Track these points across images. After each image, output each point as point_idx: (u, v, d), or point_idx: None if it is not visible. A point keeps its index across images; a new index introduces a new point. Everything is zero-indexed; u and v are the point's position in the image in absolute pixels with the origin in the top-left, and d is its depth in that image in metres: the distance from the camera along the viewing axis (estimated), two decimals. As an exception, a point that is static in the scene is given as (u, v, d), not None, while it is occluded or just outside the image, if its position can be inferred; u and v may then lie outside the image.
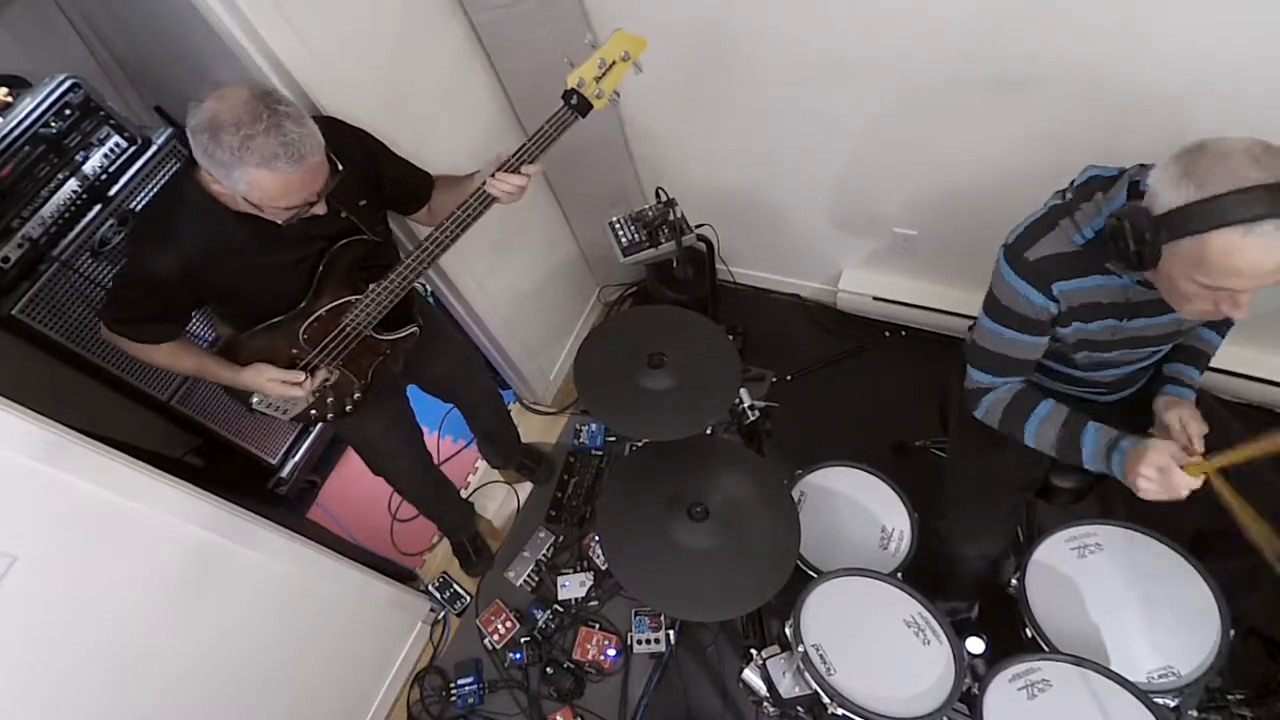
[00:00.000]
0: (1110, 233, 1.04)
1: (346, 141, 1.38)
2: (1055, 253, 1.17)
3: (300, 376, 1.45)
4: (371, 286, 1.43)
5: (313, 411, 1.57)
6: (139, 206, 1.86)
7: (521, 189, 1.40)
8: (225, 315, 1.50)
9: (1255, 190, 0.90)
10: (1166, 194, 0.97)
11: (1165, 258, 1.01)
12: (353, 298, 1.42)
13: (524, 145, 1.38)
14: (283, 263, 1.36)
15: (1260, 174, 0.91)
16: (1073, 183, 1.18)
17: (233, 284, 1.34)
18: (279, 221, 1.25)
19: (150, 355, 1.41)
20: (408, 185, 1.53)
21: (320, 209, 1.26)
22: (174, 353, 1.42)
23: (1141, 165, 1.11)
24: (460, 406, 2.13)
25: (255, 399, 1.50)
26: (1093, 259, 1.15)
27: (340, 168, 1.25)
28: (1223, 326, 1.36)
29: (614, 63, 1.37)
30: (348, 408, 1.60)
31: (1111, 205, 1.09)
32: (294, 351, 1.44)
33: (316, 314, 1.41)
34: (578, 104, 1.36)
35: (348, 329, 1.45)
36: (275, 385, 1.44)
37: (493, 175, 1.38)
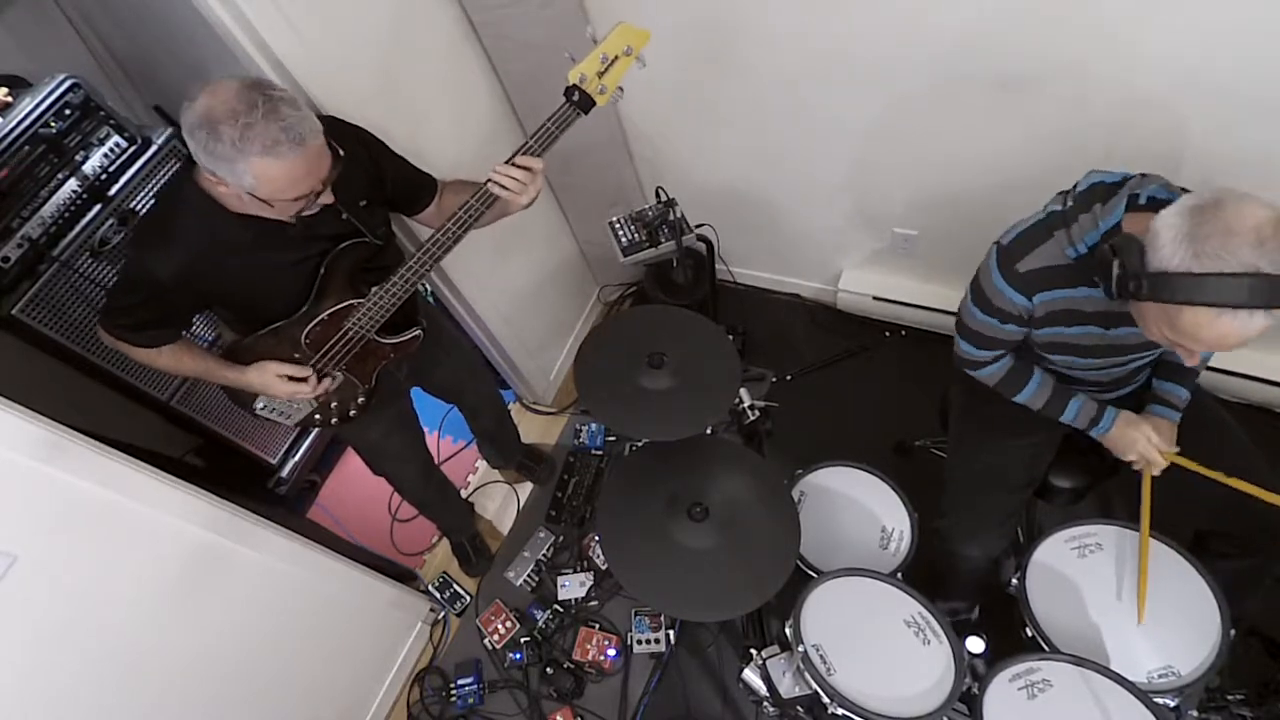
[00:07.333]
0: (1100, 259, 1.05)
1: (348, 140, 1.37)
2: (1046, 265, 1.18)
3: (307, 372, 1.43)
4: (374, 289, 1.41)
5: (316, 416, 1.56)
6: (139, 207, 1.85)
7: (522, 184, 1.35)
8: (228, 320, 1.49)
9: (1242, 278, 0.89)
10: (1164, 249, 0.95)
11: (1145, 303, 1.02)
12: (355, 301, 1.41)
13: (525, 143, 1.36)
14: (284, 263, 1.35)
15: (1257, 258, 0.89)
16: (1075, 187, 1.17)
17: (234, 286, 1.33)
18: (287, 217, 1.23)
19: (152, 359, 1.40)
20: (410, 184, 1.52)
21: (328, 198, 1.24)
22: (177, 356, 1.41)
23: (1143, 175, 1.10)
24: (462, 408, 2.13)
25: (260, 404, 1.49)
26: (1083, 272, 1.15)
27: (341, 154, 1.24)
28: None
29: (616, 57, 1.33)
30: (351, 413, 1.58)
31: (1109, 221, 1.09)
32: (296, 357, 1.43)
33: (319, 318, 1.40)
34: (579, 100, 1.33)
35: (350, 333, 1.43)
36: (282, 383, 1.41)
37: (494, 169, 1.35)
